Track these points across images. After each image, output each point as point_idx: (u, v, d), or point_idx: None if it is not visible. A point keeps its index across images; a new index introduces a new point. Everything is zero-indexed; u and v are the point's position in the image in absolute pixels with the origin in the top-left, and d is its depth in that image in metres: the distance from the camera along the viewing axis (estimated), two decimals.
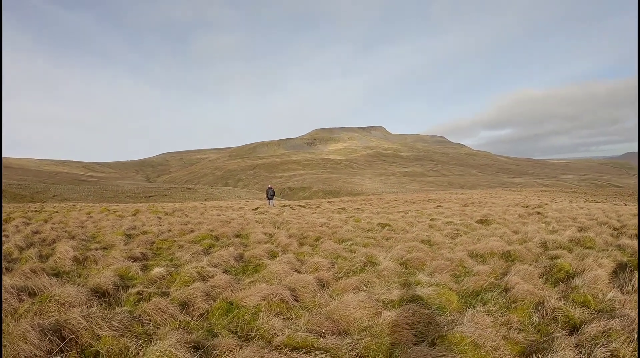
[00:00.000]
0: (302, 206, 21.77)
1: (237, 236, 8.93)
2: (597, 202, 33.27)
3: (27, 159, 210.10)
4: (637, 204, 15.44)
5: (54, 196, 56.83)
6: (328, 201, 31.40)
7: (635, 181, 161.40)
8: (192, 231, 9.39)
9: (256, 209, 18.93)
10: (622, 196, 57.83)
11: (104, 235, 9.12)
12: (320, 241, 8.17)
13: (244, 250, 7.07)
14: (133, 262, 5.98)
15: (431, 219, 12.87)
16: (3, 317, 3.71)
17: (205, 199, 65.24)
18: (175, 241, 8.22)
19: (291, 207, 20.80)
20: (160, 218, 13.90)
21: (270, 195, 23.64)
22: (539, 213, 15.39)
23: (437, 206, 19.95)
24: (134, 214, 15.46)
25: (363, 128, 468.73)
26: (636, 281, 4.92)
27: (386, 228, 10.34)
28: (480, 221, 12.32)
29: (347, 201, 29.86)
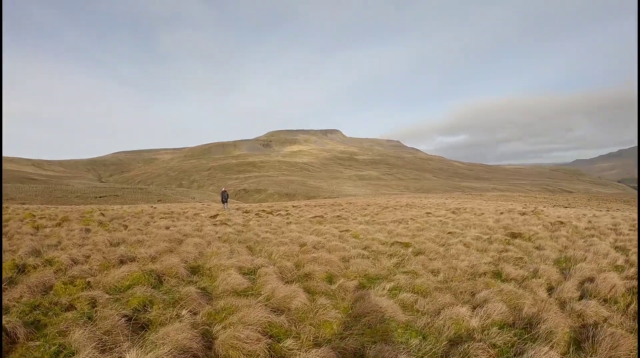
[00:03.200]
0: (267, 213, 18.33)
1: (194, 272, 5.64)
2: (572, 207, 33.04)
3: None
4: (638, 213, 14.40)
5: None
6: (293, 206, 28.16)
7: (584, 186, 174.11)
8: (121, 261, 6.00)
9: (215, 216, 15.43)
10: (600, 200, 59.87)
11: None
12: (337, 283, 5.14)
13: (209, 317, 3.85)
14: None
15: (449, 233, 10.29)
16: None
17: (158, 201, 59.48)
18: (88, 283, 4.89)
19: (257, 214, 17.36)
20: (88, 230, 10.28)
21: (225, 198, 23.54)
22: (561, 223, 13.04)
23: (427, 213, 17.54)
24: (59, 224, 11.63)
25: (320, 131, 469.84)
26: None
27: (410, 249, 7.53)
28: (513, 235, 9.93)
29: (315, 206, 26.80)
